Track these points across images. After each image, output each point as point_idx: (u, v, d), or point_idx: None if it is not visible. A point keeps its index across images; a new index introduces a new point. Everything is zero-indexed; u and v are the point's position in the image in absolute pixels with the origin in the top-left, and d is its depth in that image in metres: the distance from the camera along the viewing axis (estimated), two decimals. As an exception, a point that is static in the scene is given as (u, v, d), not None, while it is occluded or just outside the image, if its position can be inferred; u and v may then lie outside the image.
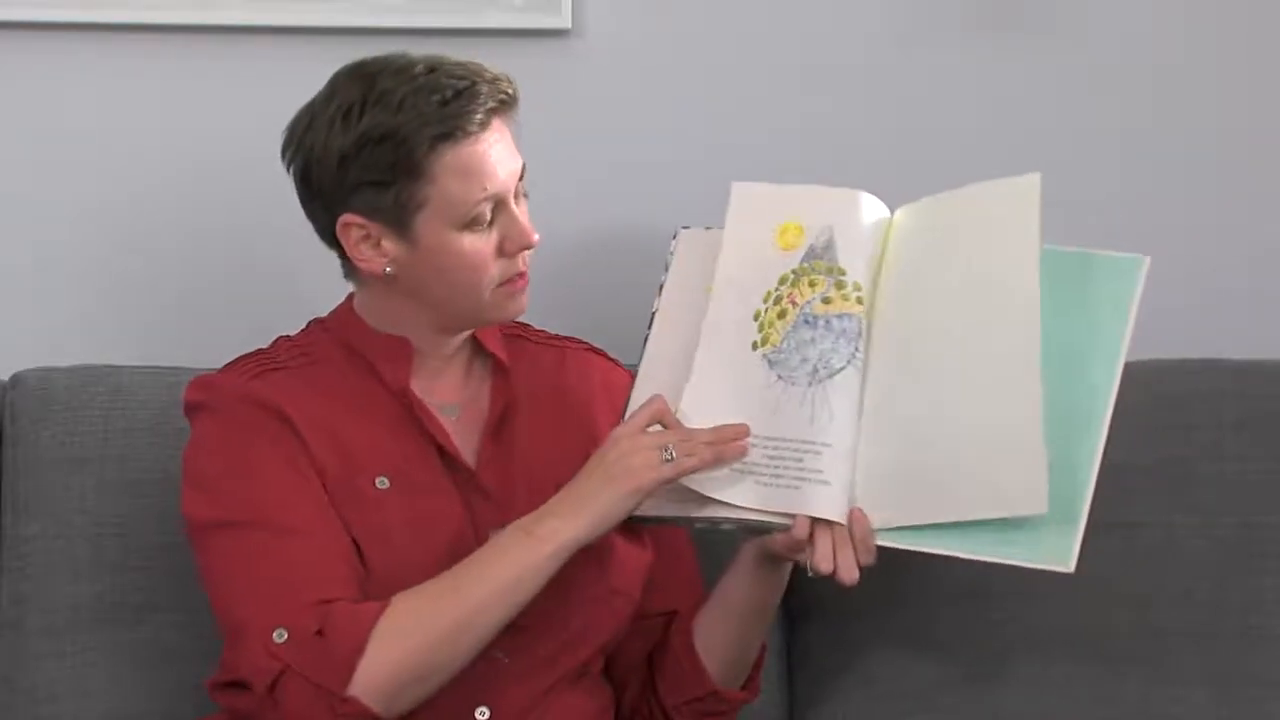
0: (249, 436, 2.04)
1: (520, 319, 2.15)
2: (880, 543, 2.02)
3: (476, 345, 2.15)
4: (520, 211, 2.07)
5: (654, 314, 2.13)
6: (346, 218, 2.04)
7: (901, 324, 2.06)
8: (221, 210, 2.47)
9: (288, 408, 2.05)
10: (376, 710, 1.95)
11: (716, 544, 2.18)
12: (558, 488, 2.04)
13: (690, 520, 2.06)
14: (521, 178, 2.08)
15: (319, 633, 1.95)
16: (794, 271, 2.08)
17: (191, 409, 2.10)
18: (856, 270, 2.07)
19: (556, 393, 2.17)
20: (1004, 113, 2.57)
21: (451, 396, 2.13)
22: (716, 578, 2.18)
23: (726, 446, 2.01)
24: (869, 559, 2.02)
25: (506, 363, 2.14)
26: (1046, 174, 2.56)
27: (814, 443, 2.03)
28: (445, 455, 2.09)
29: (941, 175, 2.53)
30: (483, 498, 2.08)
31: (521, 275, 2.09)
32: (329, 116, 2.03)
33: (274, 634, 1.96)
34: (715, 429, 2.02)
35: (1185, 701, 2.32)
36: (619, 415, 2.11)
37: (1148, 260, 2.06)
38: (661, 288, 2.14)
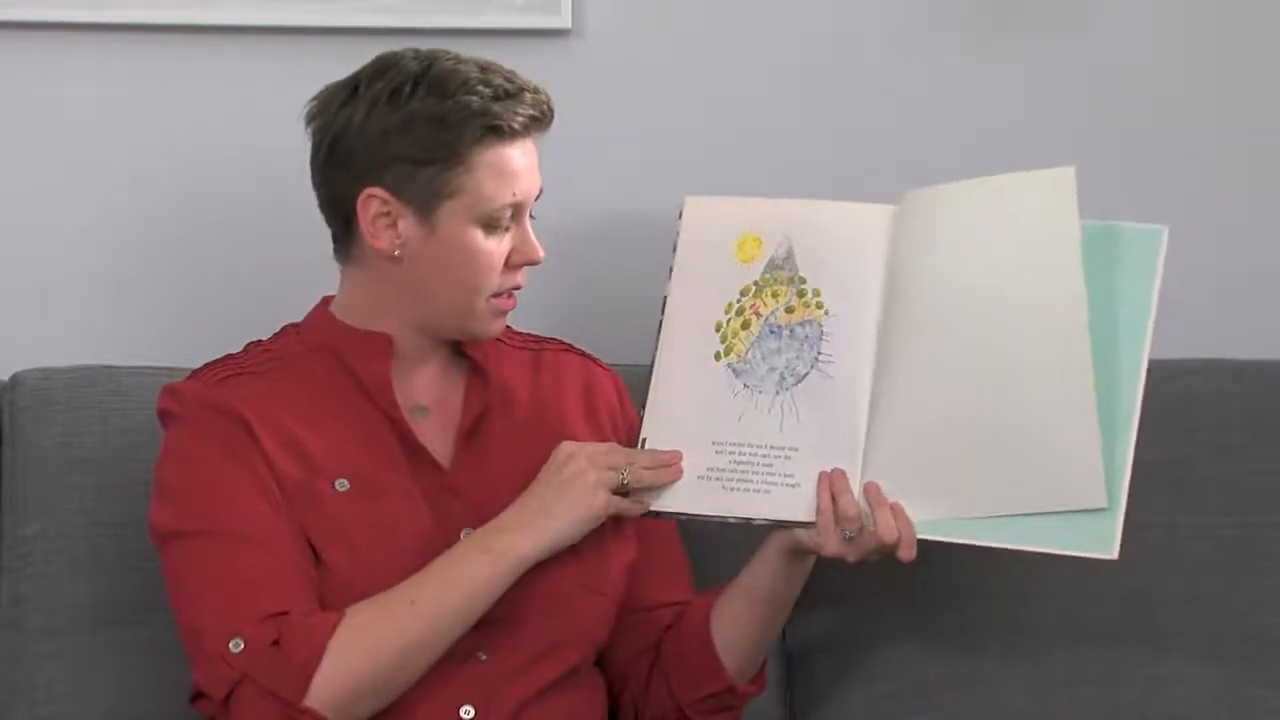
0: (210, 446, 2.05)
1: (516, 317, 2.15)
2: (924, 536, 2.03)
3: (455, 346, 2.15)
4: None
5: (666, 298, 2.14)
6: (372, 190, 2.05)
7: (935, 314, 2.07)
8: (221, 210, 2.47)
9: (249, 414, 2.05)
10: (331, 718, 1.96)
11: (701, 535, 2.19)
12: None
13: (719, 518, 2.08)
14: (536, 198, 2.10)
15: (275, 643, 1.96)
16: (755, 283, 2.12)
17: (161, 417, 2.11)
18: (817, 278, 2.10)
19: (532, 394, 2.17)
20: (1004, 113, 2.57)
21: (424, 397, 2.13)
22: (703, 570, 2.20)
23: (664, 470, 2.07)
24: (910, 554, 2.03)
25: (484, 365, 2.14)
26: (1046, 174, 2.57)
27: (784, 448, 2.07)
28: (415, 456, 2.09)
29: (942, 175, 2.52)
30: (455, 498, 2.09)
31: (516, 292, 2.10)
32: (375, 92, 2.04)
33: (230, 643, 1.97)
34: (652, 453, 2.08)
35: (1187, 702, 2.32)
36: (594, 412, 2.17)
37: (1166, 230, 2.08)
38: (671, 270, 2.15)
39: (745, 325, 2.11)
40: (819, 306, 2.10)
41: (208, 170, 2.47)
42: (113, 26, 2.44)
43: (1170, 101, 2.59)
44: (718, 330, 2.12)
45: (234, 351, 2.16)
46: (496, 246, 2.07)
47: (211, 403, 2.06)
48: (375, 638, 1.98)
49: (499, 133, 2.04)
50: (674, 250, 2.15)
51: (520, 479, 2.09)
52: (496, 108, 2.03)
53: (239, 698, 1.97)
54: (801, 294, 2.10)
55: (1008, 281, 2.06)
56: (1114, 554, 2.01)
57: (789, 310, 2.10)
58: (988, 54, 2.57)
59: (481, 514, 2.07)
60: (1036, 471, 2.03)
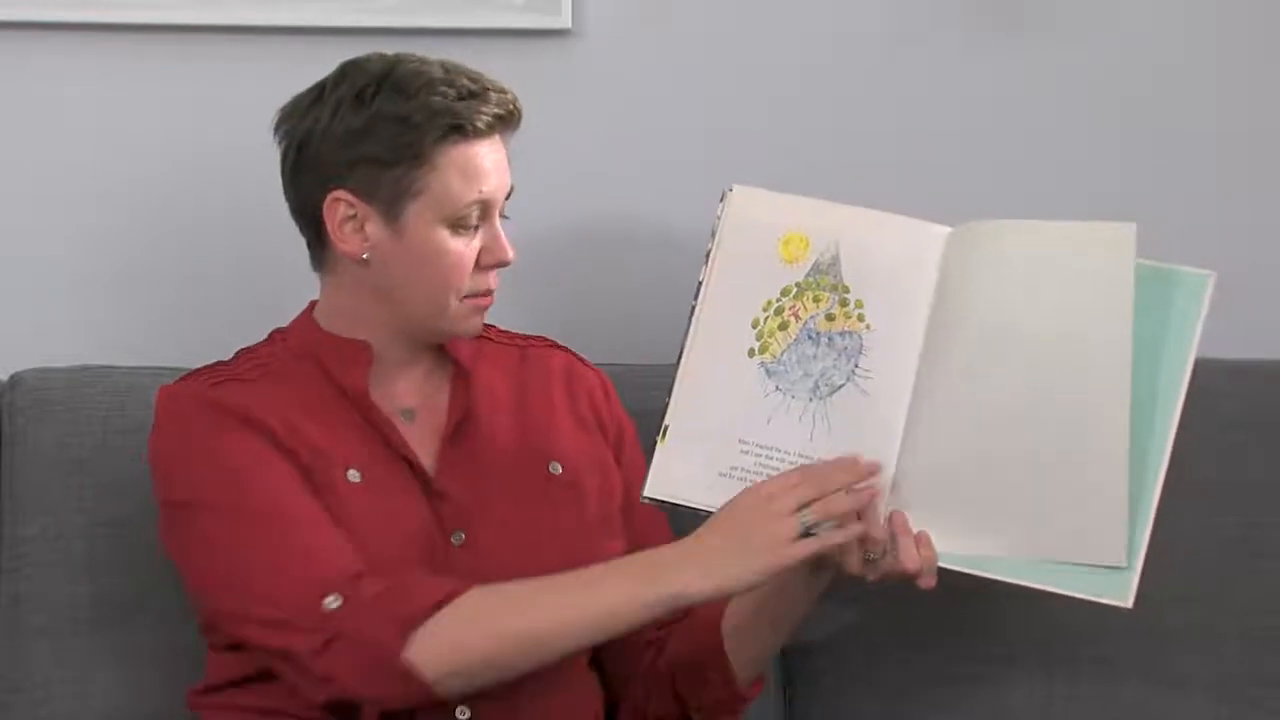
0: (224, 435, 2.04)
1: (514, 317, 2.15)
2: (945, 565, 2.02)
3: (440, 348, 2.15)
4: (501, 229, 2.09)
5: (701, 284, 2.08)
6: (338, 193, 2.05)
7: (979, 350, 2.04)
8: (221, 210, 2.47)
9: (253, 410, 2.06)
10: (428, 679, 1.95)
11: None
12: (521, 489, 2.09)
13: None
14: (507, 198, 2.09)
15: (379, 595, 1.95)
16: (798, 284, 2.07)
17: (162, 411, 2.10)
18: (861, 289, 2.06)
19: (516, 392, 2.17)
20: (1004, 113, 2.57)
21: (409, 400, 2.13)
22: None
23: (861, 494, 1.98)
24: (930, 582, 2.02)
25: (468, 366, 2.14)
26: (1046, 173, 2.58)
27: (812, 458, 2.03)
28: (402, 460, 2.09)
29: (942, 176, 2.53)
30: (442, 501, 2.09)
31: (489, 293, 2.09)
32: (339, 96, 2.04)
33: (325, 600, 1.96)
34: (843, 468, 1.99)
35: (1186, 702, 2.32)
36: (579, 409, 2.16)
37: (1214, 276, 2.05)
38: (709, 255, 2.08)
39: (783, 326, 2.07)
40: (860, 319, 2.06)
41: (207, 170, 2.47)
42: (113, 26, 2.44)
43: (1170, 101, 2.59)
44: (754, 327, 2.07)
45: (233, 350, 2.16)
46: (465, 247, 2.06)
47: (214, 403, 2.06)
48: (495, 618, 1.97)
49: (463, 131, 2.03)
50: (712, 236, 2.08)
51: (506, 478, 2.10)
52: (460, 107, 2.03)
53: (331, 654, 1.95)
54: (844, 303, 2.06)
55: (1056, 328, 2.03)
56: (1129, 603, 2.01)
57: (829, 318, 2.06)
58: (988, 54, 2.57)
59: (469, 516, 2.08)
60: (1061, 521, 2.02)
